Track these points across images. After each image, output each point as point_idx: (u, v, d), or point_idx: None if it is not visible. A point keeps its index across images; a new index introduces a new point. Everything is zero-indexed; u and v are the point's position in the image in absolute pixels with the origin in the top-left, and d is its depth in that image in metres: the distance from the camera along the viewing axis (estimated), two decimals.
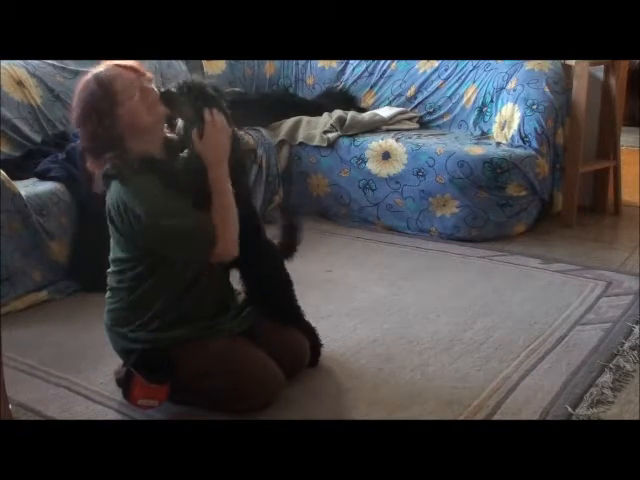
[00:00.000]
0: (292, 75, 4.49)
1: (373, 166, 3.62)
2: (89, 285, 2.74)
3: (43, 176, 2.91)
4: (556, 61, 3.73)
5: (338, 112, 3.92)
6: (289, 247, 2.24)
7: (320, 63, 4.42)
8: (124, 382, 1.96)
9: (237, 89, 4.13)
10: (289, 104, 4.14)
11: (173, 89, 1.94)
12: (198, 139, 1.90)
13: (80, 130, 1.94)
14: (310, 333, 2.22)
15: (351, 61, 4.33)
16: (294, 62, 4.49)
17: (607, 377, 2.14)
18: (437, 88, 4.04)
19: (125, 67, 1.93)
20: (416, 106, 4.09)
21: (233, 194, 1.95)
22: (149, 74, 1.99)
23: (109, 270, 2.02)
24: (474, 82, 3.93)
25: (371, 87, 4.25)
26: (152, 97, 1.92)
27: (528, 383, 2.13)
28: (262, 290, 2.14)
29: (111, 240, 1.98)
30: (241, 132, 2.13)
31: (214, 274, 2.03)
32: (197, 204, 1.89)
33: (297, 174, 3.87)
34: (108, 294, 2.03)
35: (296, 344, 2.16)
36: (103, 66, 1.93)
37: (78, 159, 2.94)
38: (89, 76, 1.92)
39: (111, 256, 2.00)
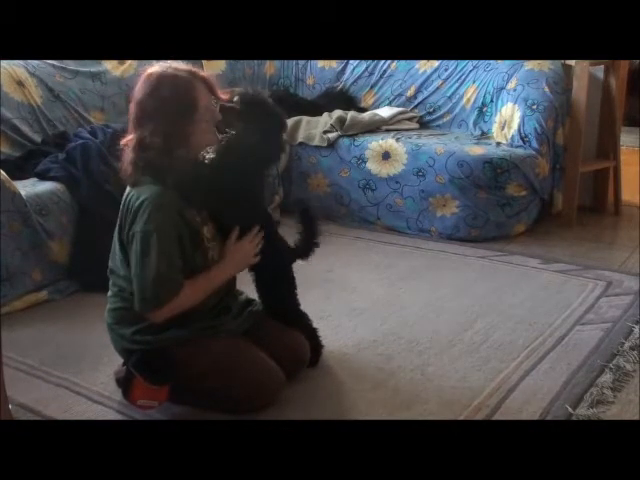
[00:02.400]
0: (292, 75, 4.49)
1: (373, 166, 3.62)
2: (89, 285, 2.74)
3: (43, 176, 2.91)
4: (556, 61, 3.73)
5: (338, 112, 3.92)
6: (310, 245, 2.23)
7: (320, 63, 4.42)
8: (124, 383, 1.96)
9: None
10: (290, 104, 4.14)
11: (235, 104, 1.97)
12: (232, 241, 1.97)
13: (144, 125, 1.87)
14: (311, 334, 2.22)
15: (351, 61, 4.33)
16: (294, 62, 4.49)
17: (607, 377, 2.14)
18: (437, 88, 4.04)
19: (206, 82, 1.92)
20: (416, 106, 4.09)
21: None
22: (221, 94, 1.98)
23: (110, 270, 2.02)
24: (474, 82, 3.93)
25: (371, 87, 4.25)
26: (216, 121, 1.94)
27: (528, 383, 2.13)
28: (272, 291, 2.15)
29: (114, 241, 1.98)
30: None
31: None
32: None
33: (297, 174, 3.87)
34: (110, 293, 2.03)
35: (297, 344, 2.16)
36: (188, 72, 1.90)
37: (78, 159, 2.95)
38: (166, 73, 1.88)
39: (113, 258, 2.00)
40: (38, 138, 3.26)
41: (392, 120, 3.90)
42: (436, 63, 4.08)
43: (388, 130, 3.82)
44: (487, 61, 3.91)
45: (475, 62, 3.97)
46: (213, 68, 4.22)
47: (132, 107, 1.92)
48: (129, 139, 1.93)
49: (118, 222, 1.93)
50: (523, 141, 3.53)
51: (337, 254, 3.29)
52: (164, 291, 1.86)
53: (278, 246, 2.16)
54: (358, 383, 2.14)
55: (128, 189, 1.92)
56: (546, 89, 3.61)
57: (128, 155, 1.91)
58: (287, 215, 3.78)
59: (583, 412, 1.96)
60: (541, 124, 3.53)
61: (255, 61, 4.43)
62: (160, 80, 1.88)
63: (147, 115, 1.87)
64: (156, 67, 1.91)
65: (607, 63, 3.77)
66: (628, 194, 4.06)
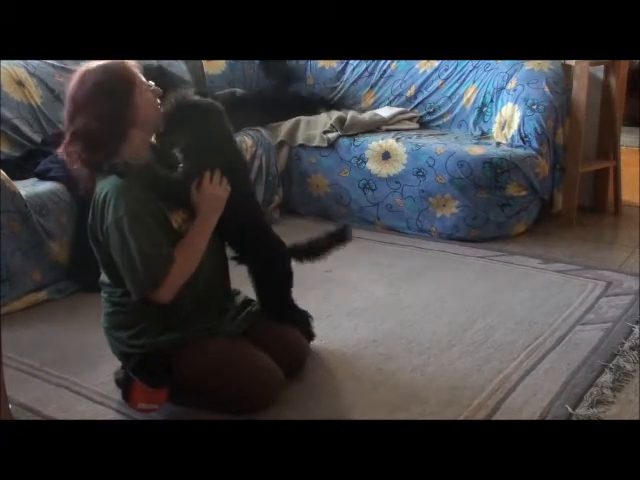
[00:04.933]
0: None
1: (373, 166, 3.62)
2: (89, 285, 2.73)
3: (43, 176, 2.91)
4: (556, 61, 3.73)
5: (337, 112, 3.93)
6: (316, 253, 2.27)
7: (320, 63, 4.42)
8: (124, 387, 1.96)
9: (238, 90, 4.12)
10: (283, 103, 4.13)
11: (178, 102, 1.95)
12: (195, 190, 1.91)
13: (83, 113, 1.85)
14: (306, 327, 2.25)
15: (351, 61, 4.33)
16: (294, 62, 4.49)
17: (607, 377, 2.14)
18: (437, 88, 4.04)
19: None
20: (416, 106, 4.08)
21: (236, 193, 1.96)
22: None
23: (101, 280, 2.02)
24: (474, 82, 3.93)
25: (371, 87, 4.25)
26: (158, 96, 1.95)
27: (528, 383, 2.13)
28: (269, 287, 2.15)
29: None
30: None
31: (213, 276, 2.03)
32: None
33: (297, 174, 3.87)
34: (104, 298, 2.02)
35: (296, 344, 2.16)
36: (108, 62, 1.90)
37: None
38: (95, 65, 1.88)
39: (101, 276, 2.01)
40: (38, 138, 3.26)
41: (392, 120, 3.90)
42: (436, 63, 4.08)
43: (388, 130, 3.82)
44: (487, 61, 3.91)
45: (475, 62, 3.97)
46: (213, 68, 4.22)
47: (65, 106, 1.91)
48: (64, 144, 1.91)
49: (89, 224, 1.91)
50: (523, 141, 3.53)
51: (337, 254, 3.25)
52: (156, 269, 1.83)
53: (274, 241, 2.16)
54: (358, 383, 2.14)
55: (94, 197, 1.89)
56: (546, 89, 3.60)
57: (73, 158, 1.91)
58: (287, 215, 3.80)
59: (583, 412, 1.96)
60: (541, 124, 3.53)
61: (255, 61, 4.42)
62: (89, 70, 1.88)
63: (80, 105, 1.86)
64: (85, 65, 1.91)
65: (607, 63, 3.77)
66: (628, 194, 4.06)
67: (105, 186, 1.84)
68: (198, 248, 1.91)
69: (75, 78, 1.89)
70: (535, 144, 3.52)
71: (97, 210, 1.86)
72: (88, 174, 1.91)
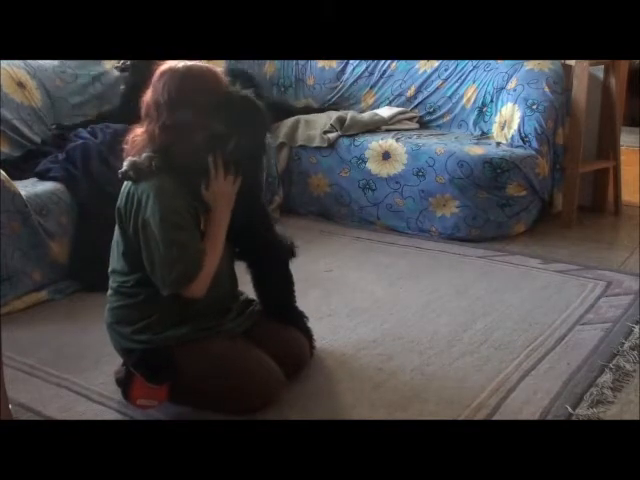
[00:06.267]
0: (292, 75, 4.48)
1: (373, 166, 3.62)
2: (89, 285, 2.74)
3: (43, 176, 2.91)
4: (556, 61, 3.74)
5: (335, 112, 3.93)
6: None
7: (320, 63, 4.42)
8: (124, 382, 1.97)
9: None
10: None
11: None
12: (204, 189, 1.93)
13: (178, 103, 1.88)
14: (305, 332, 2.23)
15: (351, 61, 4.32)
16: (294, 62, 4.49)
17: (607, 377, 2.14)
18: (437, 88, 4.04)
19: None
20: (416, 106, 4.08)
21: (244, 189, 1.97)
22: None
23: (111, 270, 2.02)
24: (474, 82, 3.93)
25: (371, 87, 4.25)
26: None
27: (528, 383, 2.13)
28: (269, 286, 2.16)
29: (113, 240, 1.98)
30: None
31: (220, 276, 2.03)
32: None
33: (297, 174, 3.87)
34: (110, 292, 2.03)
35: (297, 345, 2.16)
36: (201, 64, 1.94)
37: (78, 159, 2.95)
38: (193, 64, 1.92)
39: (113, 257, 2.00)
40: (38, 139, 3.26)
41: (392, 120, 3.90)
42: (436, 63, 4.07)
43: (388, 130, 3.82)
44: (487, 61, 3.91)
45: (475, 62, 3.96)
46: None
47: (154, 95, 1.91)
48: (140, 131, 1.94)
49: (118, 216, 1.93)
50: (523, 141, 3.53)
51: (337, 254, 3.29)
52: (194, 262, 1.86)
53: (275, 239, 2.17)
54: (358, 383, 2.14)
55: (125, 183, 1.92)
56: (546, 89, 3.61)
57: (139, 146, 1.92)
58: (287, 215, 3.80)
59: (583, 412, 1.96)
60: (541, 124, 3.53)
61: (255, 61, 4.42)
62: (190, 69, 1.91)
63: (173, 102, 1.87)
64: (175, 62, 1.93)
65: (607, 63, 3.77)
66: (628, 194, 4.06)
67: (143, 183, 1.87)
68: (219, 241, 1.94)
69: (169, 71, 1.91)
70: (535, 144, 3.52)
71: (132, 203, 1.87)
72: (136, 166, 1.89)
